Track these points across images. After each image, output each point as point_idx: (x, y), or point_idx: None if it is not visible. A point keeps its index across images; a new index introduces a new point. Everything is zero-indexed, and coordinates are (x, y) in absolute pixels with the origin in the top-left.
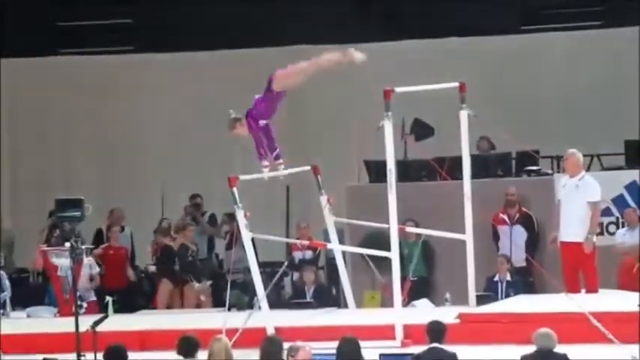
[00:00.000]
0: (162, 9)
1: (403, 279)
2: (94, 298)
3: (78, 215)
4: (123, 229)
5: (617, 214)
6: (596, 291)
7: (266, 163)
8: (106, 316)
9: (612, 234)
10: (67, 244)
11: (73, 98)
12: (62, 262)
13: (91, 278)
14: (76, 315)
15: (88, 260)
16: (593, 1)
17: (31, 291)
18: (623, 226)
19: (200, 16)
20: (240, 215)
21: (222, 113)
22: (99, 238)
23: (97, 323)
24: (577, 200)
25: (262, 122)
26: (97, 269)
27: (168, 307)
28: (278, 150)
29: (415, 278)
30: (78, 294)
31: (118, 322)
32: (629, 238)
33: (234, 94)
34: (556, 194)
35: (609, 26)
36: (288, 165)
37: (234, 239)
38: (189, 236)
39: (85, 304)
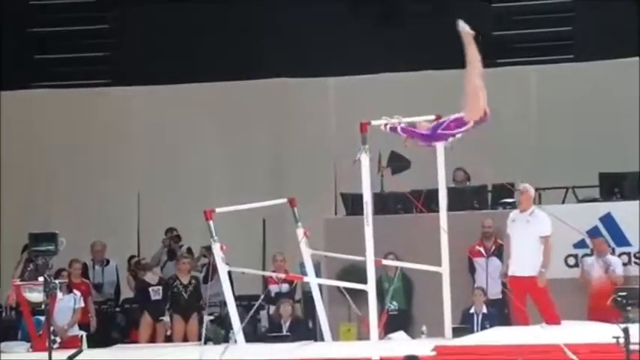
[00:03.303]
0: (138, 41)
1: (380, 312)
2: (78, 333)
3: (52, 249)
4: (108, 262)
5: (592, 246)
6: (558, 322)
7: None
8: (80, 351)
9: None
10: (41, 279)
11: (50, 131)
12: (35, 296)
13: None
14: (50, 350)
15: (72, 294)
16: (565, 36)
17: (4, 326)
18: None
19: (176, 48)
20: (216, 248)
21: (198, 145)
22: (84, 272)
23: (71, 358)
24: (528, 235)
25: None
26: (80, 304)
27: (151, 340)
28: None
29: (396, 311)
30: (64, 328)
31: (92, 357)
32: (597, 267)
33: (211, 126)
34: (507, 229)
35: (581, 60)
36: (265, 197)
37: (210, 272)
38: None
39: (58, 339)
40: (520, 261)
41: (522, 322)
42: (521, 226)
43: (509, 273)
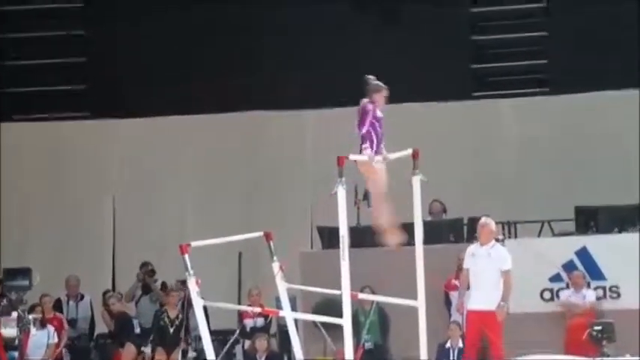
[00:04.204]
0: (117, 73)
1: (356, 346)
2: None
3: (26, 284)
4: (82, 297)
5: (567, 279)
6: (502, 357)
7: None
8: None
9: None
10: (15, 314)
11: (25, 164)
12: (8, 331)
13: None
14: None
15: (46, 330)
16: (540, 69)
17: None
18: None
19: (153, 81)
20: (192, 283)
21: (174, 178)
22: (58, 307)
23: None
24: (490, 268)
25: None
26: (54, 339)
27: None
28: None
29: (372, 346)
30: None
31: None
32: (574, 300)
33: (186, 159)
34: (464, 262)
35: (556, 93)
36: (241, 231)
37: (185, 307)
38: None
39: None
40: (480, 295)
41: (474, 356)
42: (482, 260)
43: (469, 307)
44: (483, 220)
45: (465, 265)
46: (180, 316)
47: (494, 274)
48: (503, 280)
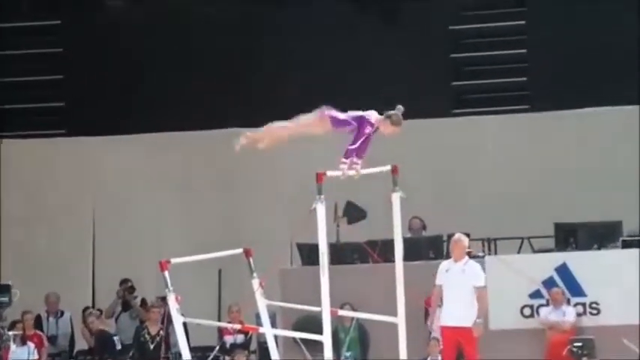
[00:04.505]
0: (95, 91)
1: None
2: None
3: (5, 301)
4: (62, 313)
5: (547, 296)
6: None
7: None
8: None
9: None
10: None
11: (5, 180)
12: None
13: None
14: None
15: (27, 346)
16: (520, 87)
17: None
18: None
19: (129, 98)
20: (171, 299)
21: (153, 195)
22: (38, 324)
23: None
24: (464, 285)
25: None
26: (34, 356)
27: None
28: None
29: None
30: None
31: None
32: (554, 317)
33: (165, 176)
34: (437, 279)
35: (536, 110)
36: (220, 248)
37: (165, 323)
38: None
39: None
40: (454, 311)
41: None
42: (455, 276)
43: (442, 323)
44: (457, 236)
45: (438, 282)
46: (160, 332)
47: (468, 290)
48: (477, 296)
